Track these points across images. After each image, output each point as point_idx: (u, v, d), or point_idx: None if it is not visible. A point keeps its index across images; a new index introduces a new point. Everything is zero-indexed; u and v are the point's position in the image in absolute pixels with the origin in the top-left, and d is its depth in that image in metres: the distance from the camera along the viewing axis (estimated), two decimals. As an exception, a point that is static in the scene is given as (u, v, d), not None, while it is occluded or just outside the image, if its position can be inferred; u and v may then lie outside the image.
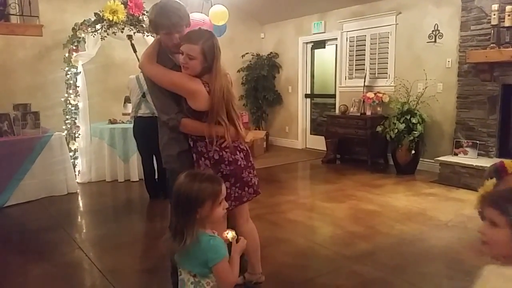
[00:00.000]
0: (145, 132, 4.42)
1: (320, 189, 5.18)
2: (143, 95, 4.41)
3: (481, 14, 5.06)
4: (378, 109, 6.28)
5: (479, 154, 5.16)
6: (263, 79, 7.99)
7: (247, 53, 8.11)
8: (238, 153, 2.22)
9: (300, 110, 7.94)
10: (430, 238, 3.45)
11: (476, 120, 5.26)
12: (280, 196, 4.79)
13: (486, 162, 4.85)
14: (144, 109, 4.44)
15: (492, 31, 4.88)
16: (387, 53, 6.30)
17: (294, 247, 3.33)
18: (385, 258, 3.08)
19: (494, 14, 4.77)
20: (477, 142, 5.19)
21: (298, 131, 8.02)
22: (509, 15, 4.66)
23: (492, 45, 4.87)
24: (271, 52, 8.22)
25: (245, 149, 2.28)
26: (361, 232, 3.62)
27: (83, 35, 5.24)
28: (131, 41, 5.14)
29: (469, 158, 5.14)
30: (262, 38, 8.44)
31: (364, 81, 6.45)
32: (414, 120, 5.58)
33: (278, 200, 4.60)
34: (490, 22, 4.88)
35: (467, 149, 5.27)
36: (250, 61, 8.18)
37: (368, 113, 6.30)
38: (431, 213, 4.06)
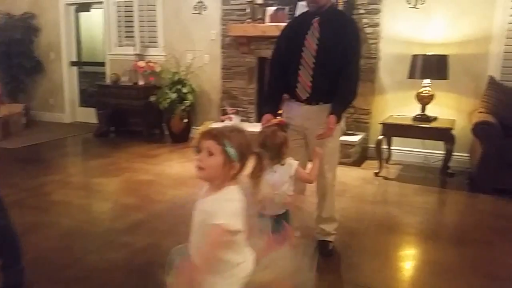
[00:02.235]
0: None
1: (92, 165, 4.87)
2: None
3: (239, -11, 5.50)
4: (151, 78, 6.22)
5: (242, 120, 5.71)
6: (17, 43, 6.88)
7: (-6, 12, 6.81)
8: None
9: (67, 80, 7.19)
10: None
11: (238, 90, 5.79)
12: (44, 176, 4.27)
13: (248, 127, 5.42)
14: None
15: (248, 7, 5.37)
16: (156, 21, 6.25)
17: (60, 230, 3.04)
18: (157, 224, 3.13)
19: (248, -9, 5.25)
20: (240, 109, 5.74)
21: (66, 103, 7.29)
22: (258, -7, 5.20)
23: (248, 20, 5.37)
24: (25, 12, 7.09)
25: None
26: (135, 203, 3.57)
27: None
28: None
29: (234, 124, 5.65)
30: (13, -5, 7.21)
31: (135, 49, 6.27)
32: (185, 90, 5.76)
33: (41, 182, 4.10)
34: (246, -2, 5.36)
35: (232, 116, 5.76)
36: (-2, 22, 6.91)
37: (141, 82, 6.17)
38: (201, 176, 4.32)
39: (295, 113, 2.46)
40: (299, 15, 2.85)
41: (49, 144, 5.83)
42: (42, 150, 5.51)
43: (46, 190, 3.86)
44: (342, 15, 2.68)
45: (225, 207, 1.38)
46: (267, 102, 2.59)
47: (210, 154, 1.40)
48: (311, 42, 2.41)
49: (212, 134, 1.41)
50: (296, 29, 2.52)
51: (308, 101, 2.47)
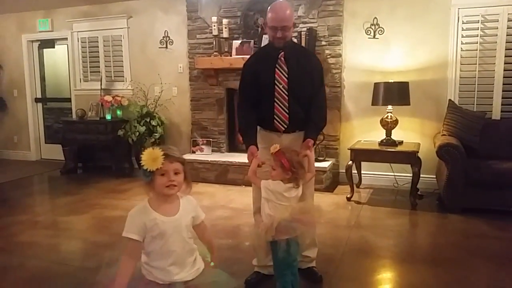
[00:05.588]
0: None
1: (59, 203, 4.71)
2: None
3: (204, 24, 5.61)
4: (118, 112, 6.17)
5: (213, 150, 5.72)
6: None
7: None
8: None
9: (31, 117, 7.03)
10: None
11: (208, 120, 5.81)
12: (8, 217, 4.10)
13: (219, 157, 5.45)
14: None
15: (214, 41, 5.47)
16: (122, 56, 6.26)
17: (28, 272, 2.91)
18: (131, 262, 3.03)
19: (214, 26, 5.36)
20: (211, 139, 5.75)
21: (30, 141, 7.10)
22: (226, 28, 5.31)
23: (215, 53, 5.46)
24: (-14, 50, 6.96)
25: None
26: (106, 240, 3.46)
27: None
28: None
29: (205, 155, 5.65)
30: (-27, 32, 7.07)
31: (101, 84, 6.23)
32: (154, 123, 5.74)
33: (6, 222, 3.93)
34: (212, 32, 5.45)
35: (203, 146, 5.77)
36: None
37: (108, 117, 6.11)
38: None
39: (274, 142, 2.44)
40: (262, 49, 2.95)
41: (14, 183, 5.62)
42: (7, 190, 5.30)
43: (12, 231, 3.70)
44: (304, 48, 2.92)
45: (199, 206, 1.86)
46: (247, 135, 2.62)
47: (177, 173, 1.69)
48: (282, 76, 2.51)
49: (176, 158, 1.70)
50: (262, 63, 2.59)
51: (287, 131, 2.57)
